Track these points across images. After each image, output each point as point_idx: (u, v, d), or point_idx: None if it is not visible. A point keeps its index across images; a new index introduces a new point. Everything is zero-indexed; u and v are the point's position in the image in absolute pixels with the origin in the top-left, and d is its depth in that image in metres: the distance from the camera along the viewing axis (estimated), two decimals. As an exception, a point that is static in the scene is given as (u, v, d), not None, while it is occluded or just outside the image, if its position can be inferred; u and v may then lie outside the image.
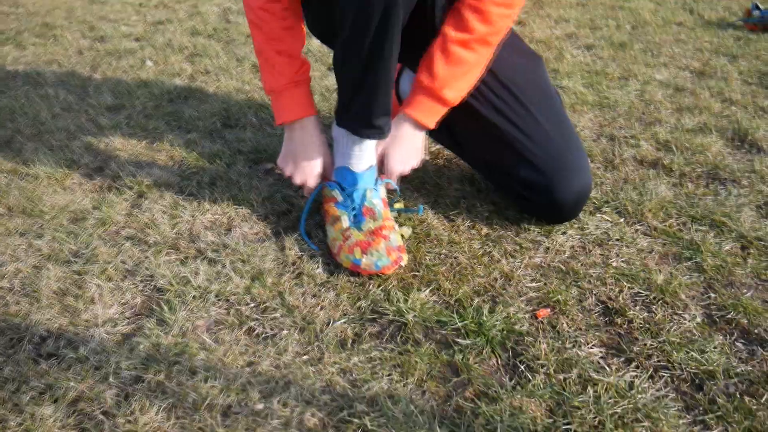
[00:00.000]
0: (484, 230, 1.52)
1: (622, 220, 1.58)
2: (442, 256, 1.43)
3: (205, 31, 3.10)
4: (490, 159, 1.53)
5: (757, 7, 3.15)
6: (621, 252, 1.45)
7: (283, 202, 1.63)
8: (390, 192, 1.56)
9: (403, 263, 1.33)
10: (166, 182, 1.72)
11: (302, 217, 1.50)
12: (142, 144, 1.96)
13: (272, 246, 1.45)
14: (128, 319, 1.24)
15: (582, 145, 1.48)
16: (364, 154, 1.42)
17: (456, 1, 1.38)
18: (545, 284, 1.34)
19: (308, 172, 1.48)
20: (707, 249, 1.44)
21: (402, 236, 1.46)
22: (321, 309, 1.26)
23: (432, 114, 1.43)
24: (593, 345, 1.17)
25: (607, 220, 1.58)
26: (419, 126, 1.45)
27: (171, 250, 1.43)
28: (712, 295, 1.30)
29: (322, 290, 1.31)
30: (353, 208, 1.39)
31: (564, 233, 1.52)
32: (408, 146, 1.46)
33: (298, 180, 1.49)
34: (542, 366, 1.12)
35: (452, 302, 1.28)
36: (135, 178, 1.72)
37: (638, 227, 1.55)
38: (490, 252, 1.44)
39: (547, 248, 1.46)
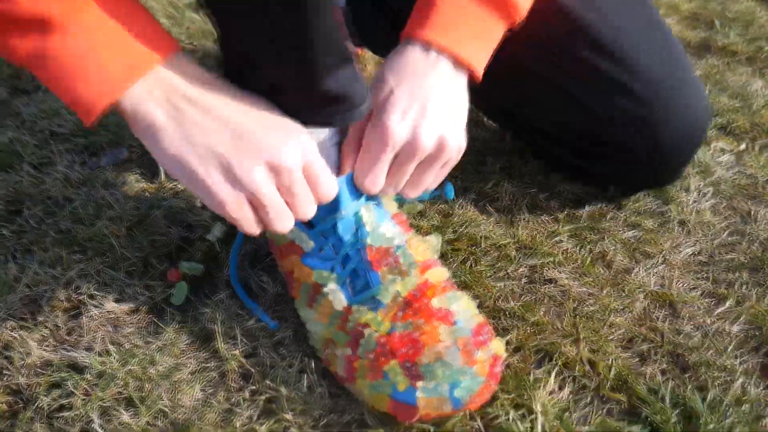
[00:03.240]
0: (558, 210, 0.85)
1: (743, 146, 0.97)
2: (524, 282, 0.74)
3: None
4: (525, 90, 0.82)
5: None
6: (798, 205, 0.84)
7: (168, 225, 0.83)
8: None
9: (502, 364, 0.61)
10: None
11: (232, 273, 0.73)
12: None
13: (184, 339, 0.68)
14: None
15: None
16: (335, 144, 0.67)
17: None
18: (737, 302, 0.71)
19: (298, 190, 0.56)
20: None
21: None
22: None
23: (484, 41, 0.65)
24: None
25: (724, 150, 0.96)
26: (458, 66, 0.63)
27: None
28: None
29: (337, 435, 0.58)
30: (345, 258, 0.64)
31: (686, 189, 0.88)
32: (449, 100, 0.63)
33: (278, 224, 0.55)
34: None
35: (610, 391, 0.61)
36: None
37: (774, 153, 0.96)
38: (605, 256, 0.78)
39: (684, 222, 0.82)
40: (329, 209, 0.63)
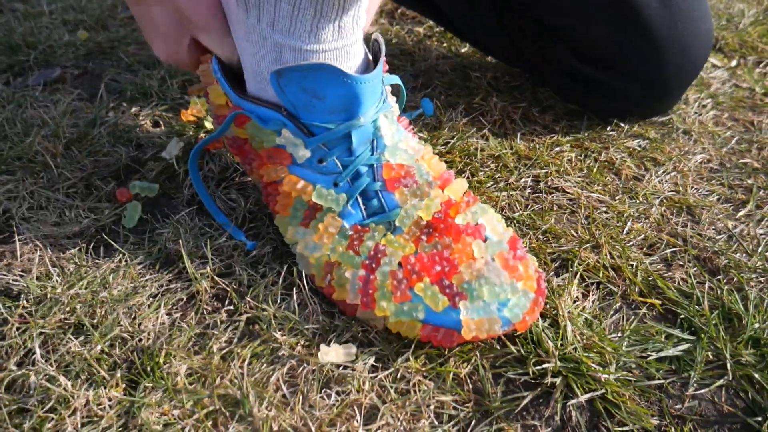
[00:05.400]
0: (554, 122, 0.78)
1: (734, 62, 0.93)
2: (528, 192, 0.66)
3: None
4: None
5: None
6: (801, 114, 0.80)
7: (113, 144, 0.71)
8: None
9: (544, 279, 0.52)
10: None
11: (194, 179, 0.61)
12: None
13: (141, 260, 0.57)
14: None
15: None
16: (359, 18, 0.52)
17: None
18: (757, 206, 0.65)
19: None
20: None
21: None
22: None
23: None
24: None
25: (716, 65, 0.91)
26: None
27: None
28: None
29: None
30: (354, 175, 0.53)
31: (686, 102, 0.83)
32: None
33: (163, 49, 0.57)
34: None
35: (639, 296, 0.55)
36: None
37: (765, 70, 0.92)
38: (612, 164, 0.71)
39: (688, 132, 0.77)
40: (342, 113, 0.51)
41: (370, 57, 0.55)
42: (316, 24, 0.48)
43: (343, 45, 0.50)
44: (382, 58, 0.53)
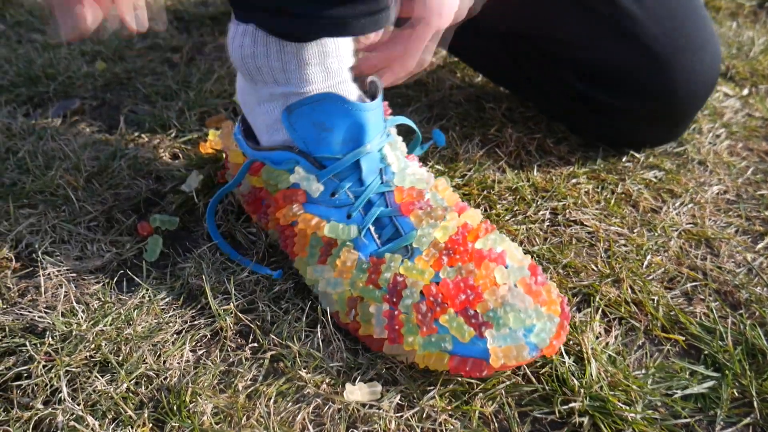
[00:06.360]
0: (569, 153, 0.78)
1: (746, 91, 0.93)
2: (547, 225, 0.67)
3: None
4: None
5: None
6: (816, 144, 0.81)
7: (133, 177, 0.72)
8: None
9: (567, 304, 0.53)
10: None
11: (210, 225, 0.62)
12: None
13: (164, 296, 0.57)
14: None
15: None
16: (347, 54, 0.57)
17: None
18: (778, 238, 0.66)
19: None
20: None
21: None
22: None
23: None
24: None
25: (728, 94, 0.92)
26: None
27: None
28: None
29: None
30: (366, 203, 0.55)
31: (699, 131, 0.83)
32: None
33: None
34: None
35: (662, 332, 0.55)
36: None
37: (778, 98, 0.92)
38: (629, 196, 0.71)
39: (703, 163, 0.77)
40: (350, 143, 0.54)
41: (367, 100, 0.58)
42: (303, 71, 0.54)
43: (334, 84, 0.55)
44: (380, 92, 0.57)
